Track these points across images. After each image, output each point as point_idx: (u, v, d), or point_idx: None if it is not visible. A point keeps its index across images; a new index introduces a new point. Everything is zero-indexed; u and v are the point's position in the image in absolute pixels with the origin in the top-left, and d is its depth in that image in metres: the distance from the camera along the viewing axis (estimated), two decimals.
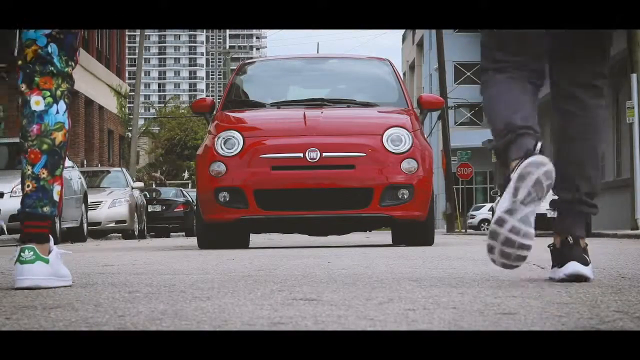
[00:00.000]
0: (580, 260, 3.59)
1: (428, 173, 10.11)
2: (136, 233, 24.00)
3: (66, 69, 3.65)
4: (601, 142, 3.74)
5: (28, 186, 3.57)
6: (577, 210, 3.69)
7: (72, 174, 18.29)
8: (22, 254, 3.47)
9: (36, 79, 3.63)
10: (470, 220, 44.98)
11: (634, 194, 22.55)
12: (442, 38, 39.21)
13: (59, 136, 3.60)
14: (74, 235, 18.38)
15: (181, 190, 35.97)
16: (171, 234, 32.86)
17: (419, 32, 69.93)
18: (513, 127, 3.53)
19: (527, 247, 3.43)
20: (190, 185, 60.66)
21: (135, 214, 24.18)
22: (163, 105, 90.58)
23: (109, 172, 26.63)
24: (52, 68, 3.63)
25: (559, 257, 3.63)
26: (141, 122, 67.47)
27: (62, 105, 3.62)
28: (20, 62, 3.65)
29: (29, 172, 3.57)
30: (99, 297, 3.11)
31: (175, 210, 32.64)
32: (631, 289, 3.29)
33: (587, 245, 3.70)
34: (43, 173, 3.58)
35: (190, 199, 33.03)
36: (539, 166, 3.39)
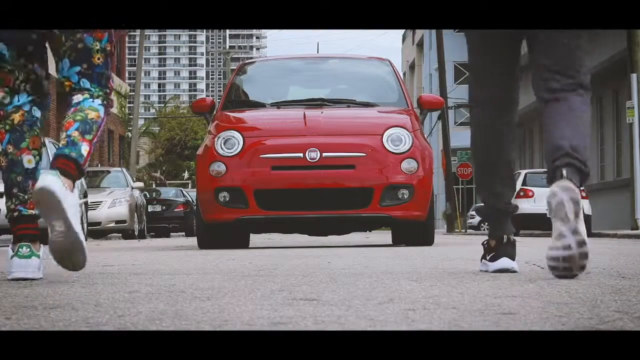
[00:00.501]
0: (566, 185, 3.71)
1: (428, 173, 10.10)
2: (136, 233, 23.99)
3: (100, 93, 4.15)
4: (582, 120, 3.97)
5: (61, 143, 4.01)
6: (566, 162, 3.82)
7: None
8: (20, 250, 3.98)
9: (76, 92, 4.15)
10: (470, 220, 44.98)
11: (634, 194, 22.55)
12: (442, 38, 39.21)
13: (91, 113, 4.05)
14: None
15: (181, 190, 35.97)
16: (171, 234, 32.86)
17: (419, 32, 69.93)
18: (492, 207, 4.26)
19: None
20: (190, 185, 60.67)
21: (135, 214, 24.18)
22: (163, 105, 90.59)
23: (109, 172, 26.62)
24: (87, 92, 4.14)
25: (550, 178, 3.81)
26: (141, 122, 67.45)
27: (98, 101, 4.10)
28: (62, 92, 4.16)
29: (63, 136, 4.01)
30: (99, 297, 3.11)
31: (175, 210, 32.64)
32: (631, 289, 3.30)
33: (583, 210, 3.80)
34: (74, 134, 4.00)
35: (190, 199, 33.03)
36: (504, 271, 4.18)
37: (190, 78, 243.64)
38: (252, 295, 3.13)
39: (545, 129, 4.00)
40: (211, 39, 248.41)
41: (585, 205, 24.21)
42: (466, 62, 4.44)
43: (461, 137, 53.37)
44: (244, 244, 10.73)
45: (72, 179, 3.94)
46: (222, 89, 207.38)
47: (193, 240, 15.20)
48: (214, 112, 10.93)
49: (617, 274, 4.22)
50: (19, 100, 4.18)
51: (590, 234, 23.33)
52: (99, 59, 4.13)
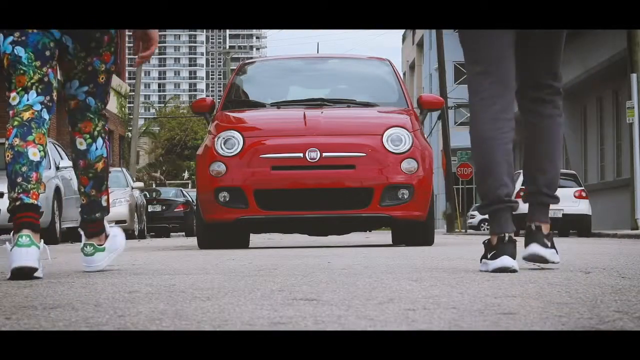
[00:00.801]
0: (540, 242, 4.42)
1: (428, 173, 10.10)
2: (136, 233, 24.00)
3: (99, 111, 4.72)
4: (558, 144, 4.57)
5: (83, 200, 4.82)
6: (539, 200, 4.51)
7: (72, 174, 18.30)
8: (19, 239, 4.08)
9: (79, 125, 4.71)
10: (470, 220, 44.97)
11: (634, 194, 22.54)
12: (442, 38, 39.22)
13: (99, 165, 4.79)
14: (74, 235, 18.38)
15: (181, 190, 35.96)
16: (171, 234, 32.86)
17: (419, 32, 69.91)
18: (494, 200, 4.36)
19: None
20: (190, 185, 60.66)
21: (135, 214, 24.18)
22: (163, 105, 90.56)
23: (109, 172, 26.57)
24: (89, 114, 4.69)
25: (526, 239, 4.48)
26: (141, 122, 67.44)
27: (99, 141, 4.75)
28: (67, 109, 4.69)
29: (82, 190, 4.80)
30: (99, 297, 3.11)
31: (175, 210, 32.63)
32: (631, 289, 3.30)
33: (551, 233, 4.48)
34: (92, 192, 4.81)
35: (190, 199, 33.02)
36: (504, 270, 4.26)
37: (190, 78, 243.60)
38: (252, 295, 3.13)
39: (525, 150, 4.57)
40: (211, 39, 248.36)
41: (585, 205, 24.21)
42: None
43: (461, 137, 53.35)
44: (244, 244, 10.73)
45: (102, 232, 4.84)
46: (222, 89, 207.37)
47: (193, 240, 15.20)
48: (214, 112, 10.93)
49: (617, 274, 4.22)
50: (28, 99, 4.32)
51: (590, 234, 23.35)
52: (102, 78, 4.64)
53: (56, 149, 18.07)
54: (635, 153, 22.51)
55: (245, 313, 2.53)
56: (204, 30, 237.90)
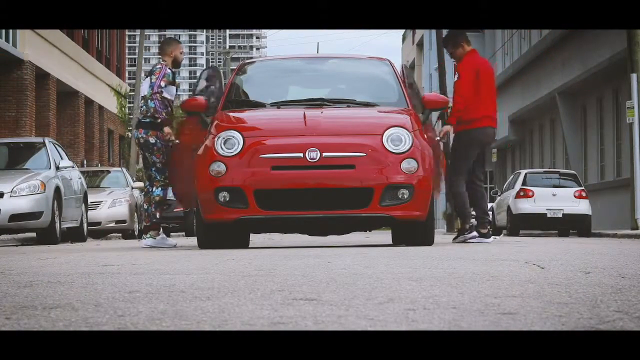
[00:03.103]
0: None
1: (428, 173, 10.10)
2: (136, 233, 24.00)
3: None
4: (483, 196, 11.98)
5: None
6: (488, 220, 11.73)
7: (72, 174, 18.29)
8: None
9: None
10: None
11: (634, 194, 22.54)
12: (442, 38, 39.20)
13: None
14: (74, 235, 18.39)
15: None
16: (171, 234, 32.86)
17: (419, 32, 69.90)
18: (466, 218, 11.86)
19: None
20: None
21: (135, 214, 24.19)
22: None
23: (109, 172, 26.61)
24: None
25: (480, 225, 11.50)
26: None
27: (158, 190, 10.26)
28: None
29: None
30: (99, 297, 3.11)
31: (175, 210, 32.63)
32: (631, 289, 3.29)
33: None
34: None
35: None
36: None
37: (190, 78, 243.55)
38: (252, 295, 3.13)
39: (476, 198, 11.64)
40: (211, 39, 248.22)
41: (585, 205, 24.22)
42: None
43: None
44: (244, 244, 10.74)
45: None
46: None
47: (193, 240, 15.21)
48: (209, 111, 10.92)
49: (617, 274, 4.22)
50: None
51: (590, 234, 23.36)
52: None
53: (56, 148, 18.07)
54: (635, 153, 22.52)
55: (245, 313, 2.53)
56: (204, 30, 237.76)
